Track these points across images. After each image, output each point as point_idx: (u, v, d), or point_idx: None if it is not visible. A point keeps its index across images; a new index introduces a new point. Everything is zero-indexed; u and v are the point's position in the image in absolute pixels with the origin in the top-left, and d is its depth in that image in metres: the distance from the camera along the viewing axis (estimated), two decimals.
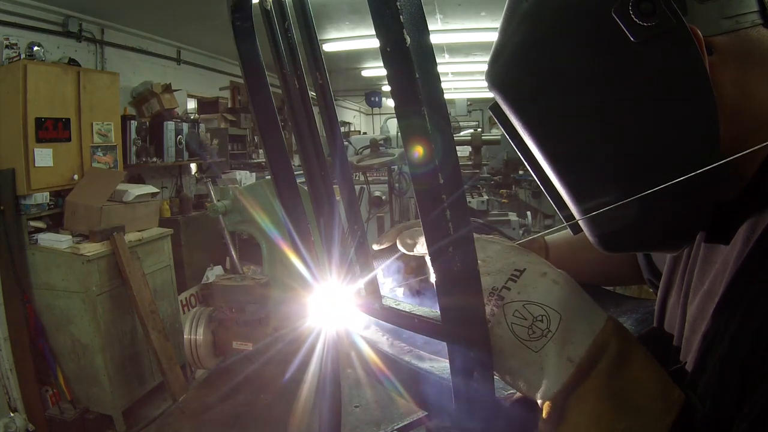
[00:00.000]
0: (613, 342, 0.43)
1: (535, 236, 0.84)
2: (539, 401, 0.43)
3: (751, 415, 0.41)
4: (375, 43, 0.34)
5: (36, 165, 3.43)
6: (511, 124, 0.56)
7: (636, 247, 0.61)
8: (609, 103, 0.47)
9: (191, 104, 6.05)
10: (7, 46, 3.49)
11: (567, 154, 0.52)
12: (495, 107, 0.59)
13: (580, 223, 0.55)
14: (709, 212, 0.48)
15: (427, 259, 0.58)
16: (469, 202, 4.58)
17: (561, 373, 0.42)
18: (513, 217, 4.99)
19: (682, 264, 0.62)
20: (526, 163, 0.60)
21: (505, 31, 0.54)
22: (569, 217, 0.56)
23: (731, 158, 0.44)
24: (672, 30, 0.44)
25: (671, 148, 0.46)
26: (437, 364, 0.50)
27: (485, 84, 0.56)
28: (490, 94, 0.57)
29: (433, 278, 0.41)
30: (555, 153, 0.52)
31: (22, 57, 3.53)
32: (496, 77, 0.55)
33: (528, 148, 0.56)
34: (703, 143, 0.45)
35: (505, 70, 0.54)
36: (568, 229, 0.92)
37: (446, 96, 0.42)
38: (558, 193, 0.56)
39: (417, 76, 0.33)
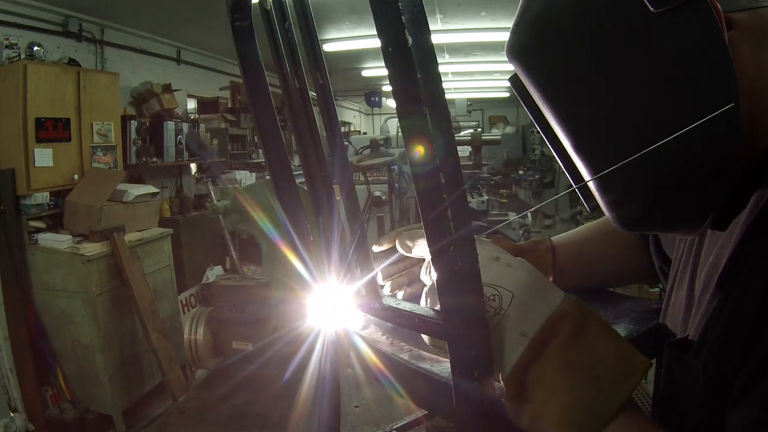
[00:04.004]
0: (569, 317, 0.44)
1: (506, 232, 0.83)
2: (501, 380, 0.43)
3: (751, 368, 0.41)
4: (375, 43, 0.34)
5: (36, 165, 3.43)
6: (530, 96, 0.56)
7: (654, 226, 0.60)
8: (628, 73, 0.47)
9: (191, 104, 6.05)
10: (7, 46, 3.49)
11: (586, 125, 0.51)
12: (514, 78, 0.59)
13: (600, 202, 0.54)
14: (726, 189, 0.48)
15: (427, 258, 0.58)
16: (469, 202, 4.57)
17: (516, 348, 0.43)
18: (513, 216, 4.99)
19: (687, 246, 0.62)
20: (543, 136, 0.59)
21: (527, 2, 0.54)
22: (587, 194, 0.56)
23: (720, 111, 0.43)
24: (692, 1, 0.44)
25: (691, 121, 0.45)
26: (437, 363, 0.50)
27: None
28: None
29: (433, 277, 0.41)
30: (574, 124, 0.52)
31: (22, 57, 3.53)
32: (516, 47, 0.54)
33: (546, 120, 0.55)
34: (723, 116, 0.44)
35: (526, 39, 0.54)
36: (574, 231, 0.93)
37: (446, 96, 0.42)
38: (576, 168, 0.55)
39: (418, 76, 0.33)
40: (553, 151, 0.59)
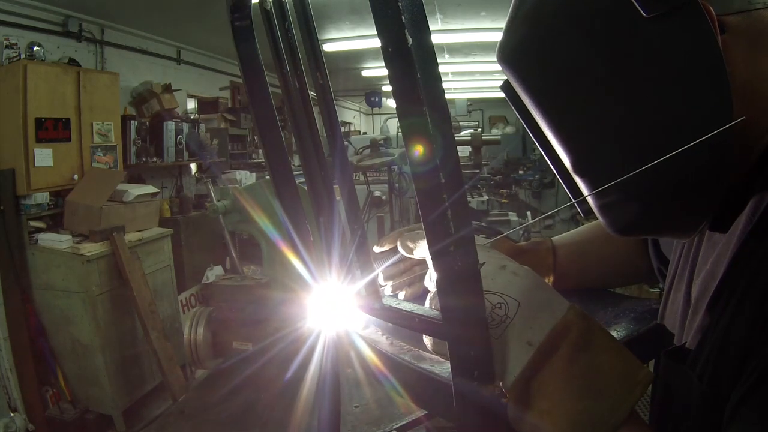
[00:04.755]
0: (574, 328, 0.44)
1: (507, 234, 0.82)
2: (505, 388, 0.43)
3: (749, 380, 0.41)
4: (375, 43, 0.34)
5: (36, 165, 3.43)
6: (522, 103, 0.56)
7: (648, 230, 0.60)
8: (621, 79, 0.47)
9: (191, 104, 6.05)
10: (7, 46, 3.49)
11: (579, 132, 0.51)
12: (506, 85, 0.59)
13: (593, 207, 0.55)
14: (720, 195, 0.48)
15: (428, 259, 0.58)
16: (469, 202, 4.58)
17: (521, 357, 0.43)
18: (513, 217, 5.00)
19: (686, 248, 0.62)
20: (536, 143, 0.59)
21: (517, 7, 0.54)
22: (582, 203, 0.56)
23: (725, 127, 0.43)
24: (684, 5, 0.44)
25: (685, 125, 0.45)
26: (437, 363, 0.50)
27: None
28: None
29: (433, 278, 0.41)
30: (566, 131, 0.52)
31: (22, 57, 3.53)
32: (508, 54, 0.54)
33: (539, 127, 0.55)
34: (716, 119, 0.44)
35: (517, 46, 0.53)
36: (576, 231, 0.93)
37: (446, 96, 0.42)
38: (570, 175, 0.55)
39: (418, 76, 0.33)
40: (545, 157, 0.59)
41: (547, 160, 0.59)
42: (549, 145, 0.56)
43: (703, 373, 0.47)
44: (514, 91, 0.56)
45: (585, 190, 0.54)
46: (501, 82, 0.62)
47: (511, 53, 0.54)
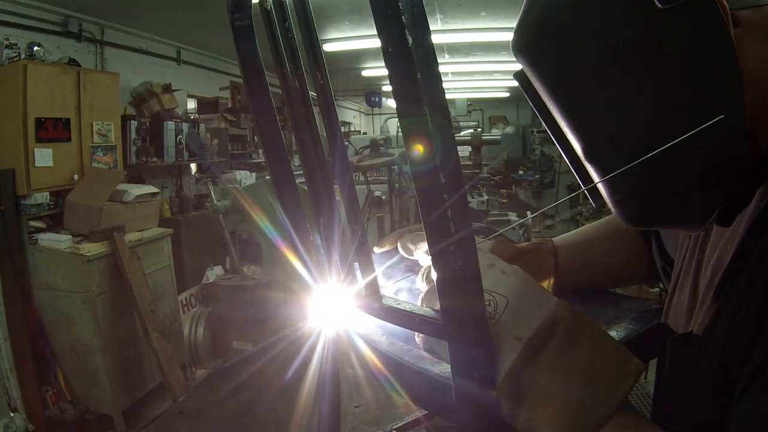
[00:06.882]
0: (563, 322, 0.44)
1: (498, 233, 0.82)
2: (496, 383, 0.43)
3: (758, 358, 0.41)
4: (375, 43, 0.34)
5: (36, 165, 3.43)
6: (536, 93, 0.56)
7: (659, 222, 0.60)
8: (634, 69, 0.48)
9: (191, 104, 6.05)
10: (7, 46, 3.49)
11: (593, 122, 0.51)
12: (520, 74, 0.59)
13: (606, 197, 0.55)
14: (730, 186, 0.48)
15: (425, 264, 0.58)
16: (469, 202, 4.58)
17: (510, 351, 0.43)
18: (513, 217, 5.00)
19: (691, 244, 0.62)
20: (550, 134, 0.59)
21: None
22: (594, 192, 0.56)
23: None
24: None
25: (697, 117, 0.46)
26: (437, 363, 0.50)
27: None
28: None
29: (432, 279, 0.41)
30: (581, 121, 0.52)
31: (22, 57, 3.53)
32: (522, 44, 0.55)
33: (553, 117, 0.56)
34: (728, 111, 0.44)
35: (532, 36, 0.54)
36: (576, 232, 0.93)
37: (446, 96, 0.43)
38: (583, 165, 0.55)
39: (418, 76, 0.33)
40: (558, 147, 0.59)
41: (560, 150, 0.59)
42: (562, 134, 0.56)
43: (712, 357, 0.47)
44: (528, 80, 0.57)
45: (597, 178, 0.54)
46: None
47: (526, 42, 0.54)
